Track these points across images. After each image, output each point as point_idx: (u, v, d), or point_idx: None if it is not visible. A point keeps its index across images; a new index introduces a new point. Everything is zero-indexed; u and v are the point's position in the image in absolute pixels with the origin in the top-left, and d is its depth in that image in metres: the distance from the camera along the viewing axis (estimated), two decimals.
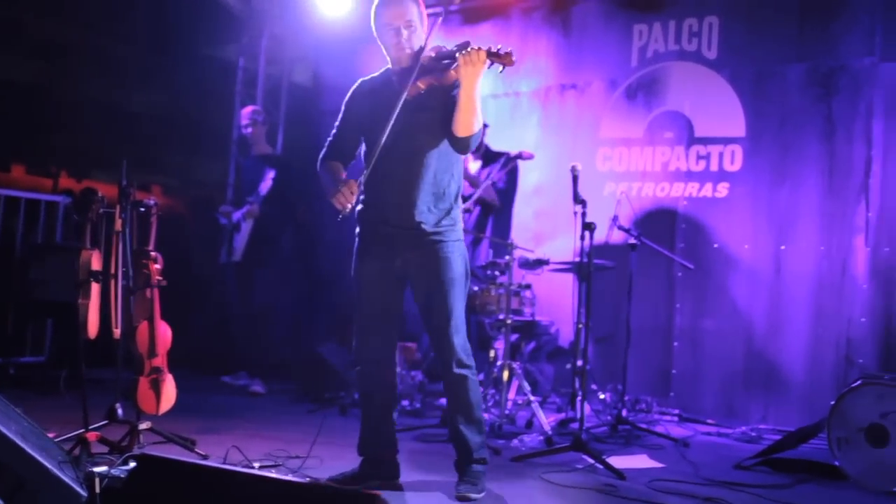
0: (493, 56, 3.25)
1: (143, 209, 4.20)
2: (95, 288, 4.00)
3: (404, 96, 3.33)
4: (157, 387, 4.31)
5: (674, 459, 4.58)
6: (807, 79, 5.82)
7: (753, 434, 5.37)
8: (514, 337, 5.59)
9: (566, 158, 6.34)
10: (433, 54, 3.45)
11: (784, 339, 5.74)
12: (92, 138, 8.94)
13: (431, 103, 3.47)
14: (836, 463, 4.19)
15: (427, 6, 7.79)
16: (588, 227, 4.62)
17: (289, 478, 3.12)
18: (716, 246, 6.05)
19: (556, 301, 6.28)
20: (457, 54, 3.31)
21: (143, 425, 4.01)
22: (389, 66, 3.62)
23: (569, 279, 6.34)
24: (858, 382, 4.26)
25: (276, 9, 7.87)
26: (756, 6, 6.06)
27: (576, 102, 6.77)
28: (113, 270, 4.07)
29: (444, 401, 5.43)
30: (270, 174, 6.34)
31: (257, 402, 6.02)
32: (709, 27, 6.23)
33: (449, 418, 3.59)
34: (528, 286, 5.78)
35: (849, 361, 5.44)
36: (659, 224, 6.20)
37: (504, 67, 3.28)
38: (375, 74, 3.68)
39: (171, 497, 2.62)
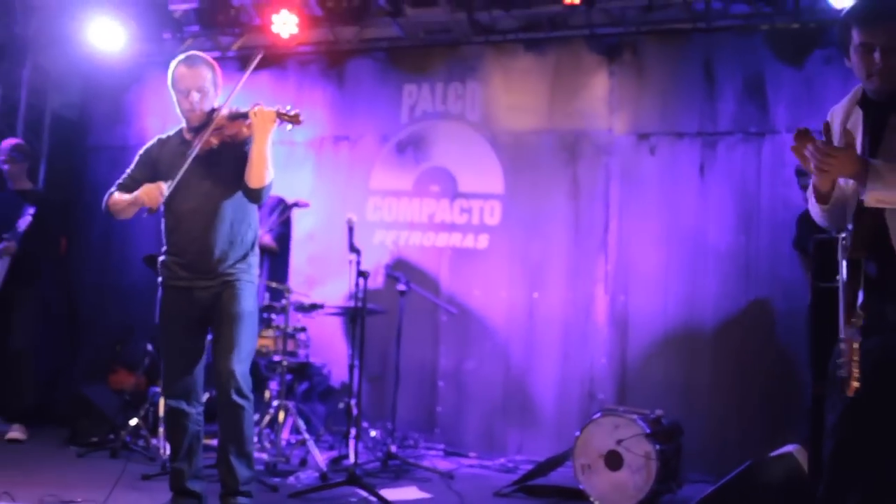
0: (283, 116, 3.62)
1: None
2: None
3: (195, 151, 3.62)
4: None
5: (441, 490, 4.96)
6: (557, 144, 6.53)
7: (511, 465, 5.89)
8: (288, 377, 5.75)
9: (338, 206, 6.67)
10: (227, 112, 3.73)
11: (536, 378, 6.34)
12: None
13: (225, 158, 3.72)
14: (581, 487, 4.74)
15: (205, 50, 7.81)
16: (363, 274, 5.00)
17: None
18: (477, 293, 6.58)
19: (328, 343, 6.55)
20: (249, 112, 3.63)
21: None
22: (184, 124, 3.83)
23: (341, 322, 6.63)
24: (598, 415, 4.87)
25: (41, 38, 7.58)
26: (513, 79, 6.71)
27: (349, 153, 7.11)
28: None
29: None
30: (30, 210, 6.08)
31: (19, 449, 5.72)
32: (472, 92, 6.83)
33: (219, 448, 3.66)
34: (304, 329, 5.99)
35: (591, 397, 6.14)
36: (425, 271, 6.65)
37: (293, 126, 3.64)
38: (171, 133, 3.89)
39: None
